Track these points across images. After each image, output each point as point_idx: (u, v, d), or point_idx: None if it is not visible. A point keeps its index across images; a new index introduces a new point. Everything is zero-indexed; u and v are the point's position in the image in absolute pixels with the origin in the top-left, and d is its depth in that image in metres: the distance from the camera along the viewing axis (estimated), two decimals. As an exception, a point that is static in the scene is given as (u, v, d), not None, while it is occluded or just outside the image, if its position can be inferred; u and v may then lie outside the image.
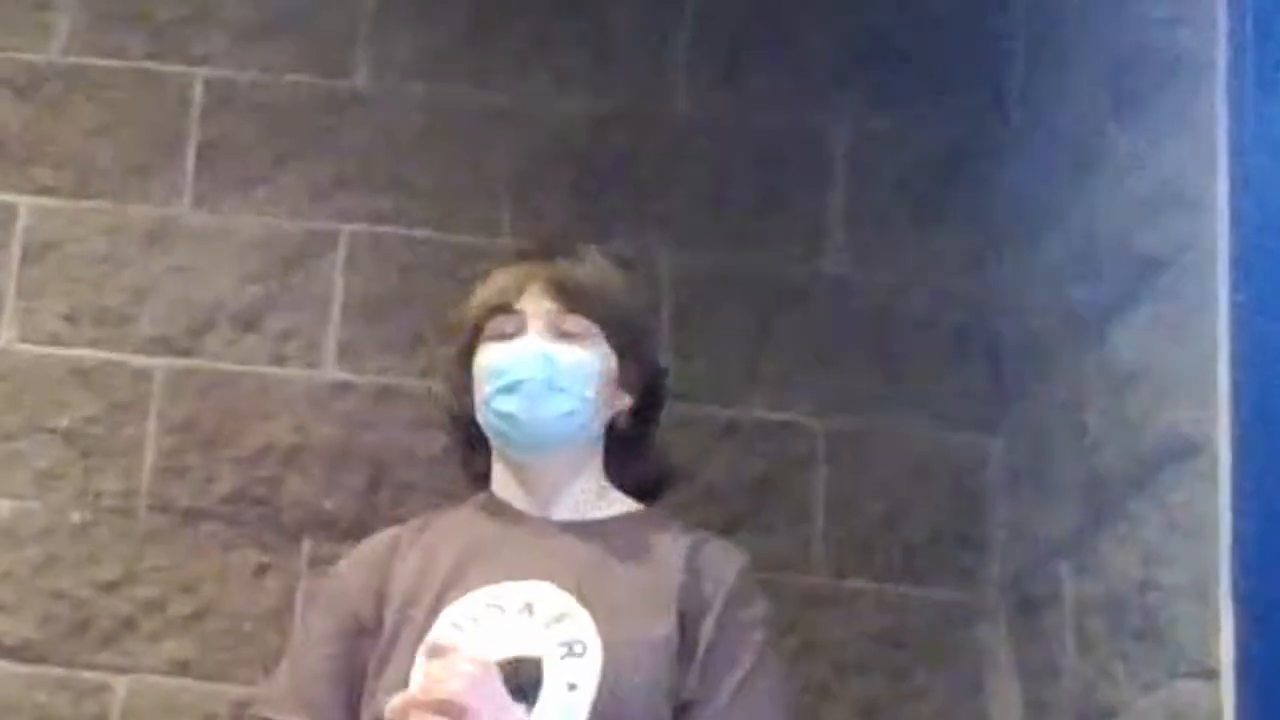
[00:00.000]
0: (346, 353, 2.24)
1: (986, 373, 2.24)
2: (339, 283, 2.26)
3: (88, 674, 2.13)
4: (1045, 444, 2.03)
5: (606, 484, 1.73)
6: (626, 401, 1.72)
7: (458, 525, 1.69)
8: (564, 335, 1.67)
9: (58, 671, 2.13)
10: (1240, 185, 1.53)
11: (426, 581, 1.61)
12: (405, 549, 1.68)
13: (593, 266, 1.71)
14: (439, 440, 2.19)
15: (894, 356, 2.25)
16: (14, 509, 2.18)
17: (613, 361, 1.69)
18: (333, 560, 2.15)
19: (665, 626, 1.56)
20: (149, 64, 2.31)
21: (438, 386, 1.91)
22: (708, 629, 1.57)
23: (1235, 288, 1.52)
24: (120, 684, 2.13)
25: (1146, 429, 1.69)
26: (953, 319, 2.26)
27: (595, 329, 1.68)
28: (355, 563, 1.71)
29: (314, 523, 2.18)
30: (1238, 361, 1.51)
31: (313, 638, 1.67)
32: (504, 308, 1.67)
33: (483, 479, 1.76)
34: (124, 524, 2.17)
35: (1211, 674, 1.48)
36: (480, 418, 1.70)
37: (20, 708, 2.12)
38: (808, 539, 2.19)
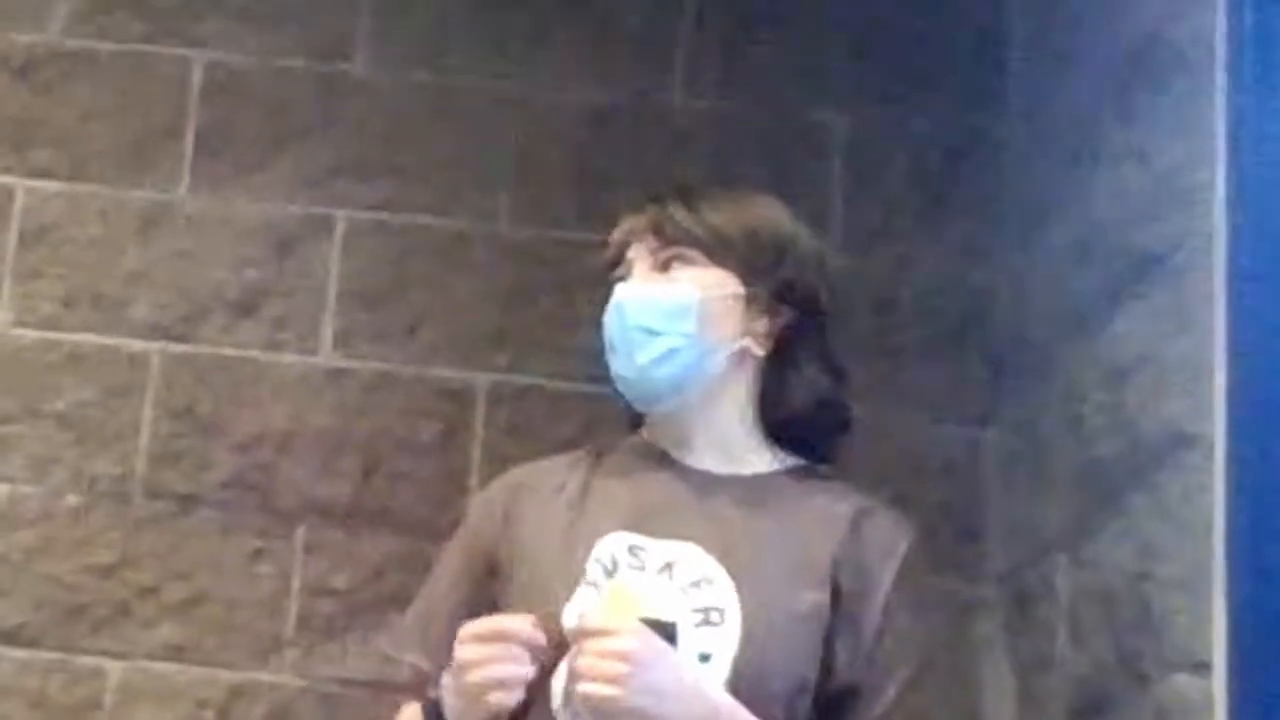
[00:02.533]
0: (342, 339, 2.24)
1: (984, 365, 2.24)
2: (335, 269, 2.26)
3: (82, 658, 2.13)
4: (1042, 437, 2.03)
5: (761, 431, 1.59)
6: (762, 325, 1.57)
7: (615, 471, 1.58)
8: (665, 271, 1.56)
9: (52, 656, 2.13)
10: (1238, 180, 1.53)
11: (580, 525, 1.52)
12: (532, 488, 1.59)
13: (702, 196, 1.59)
14: (433, 426, 2.20)
15: (892, 348, 2.25)
16: (9, 493, 2.18)
17: (733, 285, 1.55)
18: (327, 547, 2.17)
19: (815, 597, 1.46)
20: (147, 47, 2.31)
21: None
22: (874, 609, 1.48)
23: (1232, 282, 1.52)
24: (114, 669, 2.13)
25: (1142, 422, 1.69)
26: (951, 311, 2.26)
27: (701, 256, 1.55)
28: (484, 499, 1.64)
29: (309, 509, 2.18)
30: (1234, 355, 1.51)
31: (446, 573, 1.60)
32: (618, 261, 1.59)
33: (638, 419, 1.64)
34: (119, 509, 2.17)
35: (1204, 667, 1.48)
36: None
37: (14, 692, 2.12)
38: (803, 530, 2.18)
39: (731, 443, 1.58)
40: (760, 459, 1.59)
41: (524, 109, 2.30)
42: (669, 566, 1.47)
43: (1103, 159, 1.89)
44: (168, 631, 2.14)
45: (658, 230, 1.57)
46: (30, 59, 2.30)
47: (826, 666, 1.47)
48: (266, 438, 2.20)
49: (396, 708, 1.59)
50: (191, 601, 2.15)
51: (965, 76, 2.31)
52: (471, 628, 1.43)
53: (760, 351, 1.58)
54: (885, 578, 1.50)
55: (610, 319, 1.56)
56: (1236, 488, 1.48)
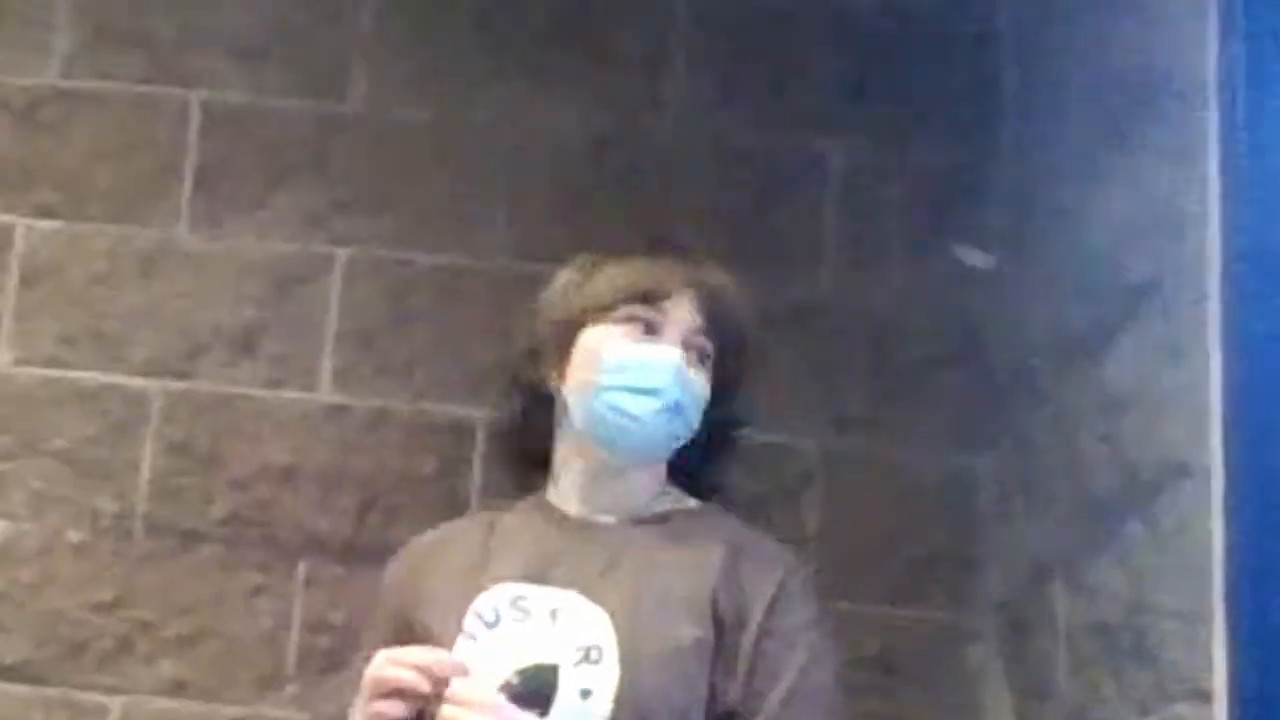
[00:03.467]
0: (341, 376, 2.25)
1: (980, 394, 2.24)
2: (334, 306, 2.27)
3: (84, 695, 2.13)
4: (1038, 465, 2.03)
5: (667, 485, 1.67)
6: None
7: (510, 529, 1.64)
8: (694, 353, 1.61)
9: (54, 692, 2.13)
10: (1232, 207, 1.54)
11: (470, 583, 1.58)
12: (441, 546, 1.66)
13: (729, 286, 1.65)
14: (432, 462, 2.21)
15: (888, 378, 2.26)
16: (10, 530, 2.18)
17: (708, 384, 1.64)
18: (327, 582, 2.17)
19: (696, 632, 1.51)
20: (145, 87, 2.32)
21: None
22: (749, 637, 1.52)
23: (1227, 310, 1.53)
24: (116, 704, 2.13)
25: (1139, 451, 1.70)
26: (946, 341, 2.27)
27: (714, 354, 1.63)
28: (396, 559, 1.70)
29: (309, 544, 2.19)
30: (1230, 384, 1.51)
31: (370, 644, 1.62)
32: (648, 298, 1.60)
33: (538, 462, 1.69)
34: (120, 545, 2.18)
35: (1205, 696, 1.48)
36: (580, 403, 1.60)
37: (16, 729, 2.12)
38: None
39: (642, 495, 1.63)
40: (656, 503, 1.65)
41: (519, 143, 2.32)
42: (554, 613, 1.51)
43: (1096, 188, 1.90)
44: (169, 667, 2.14)
45: (705, 307, 1.62)
46: (30, 99, 2.31)
47: (714, 696, 1.51)
48: (266, 474, 2.20)
49: None
50: (193, 637, 2.16)
51: (960, 107, 2.33)
52: (386, 651, 1.49)
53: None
54: (758, 609, 1.54)
55: (671, 377, 1.58)
56: (1234, 516, 1.48)
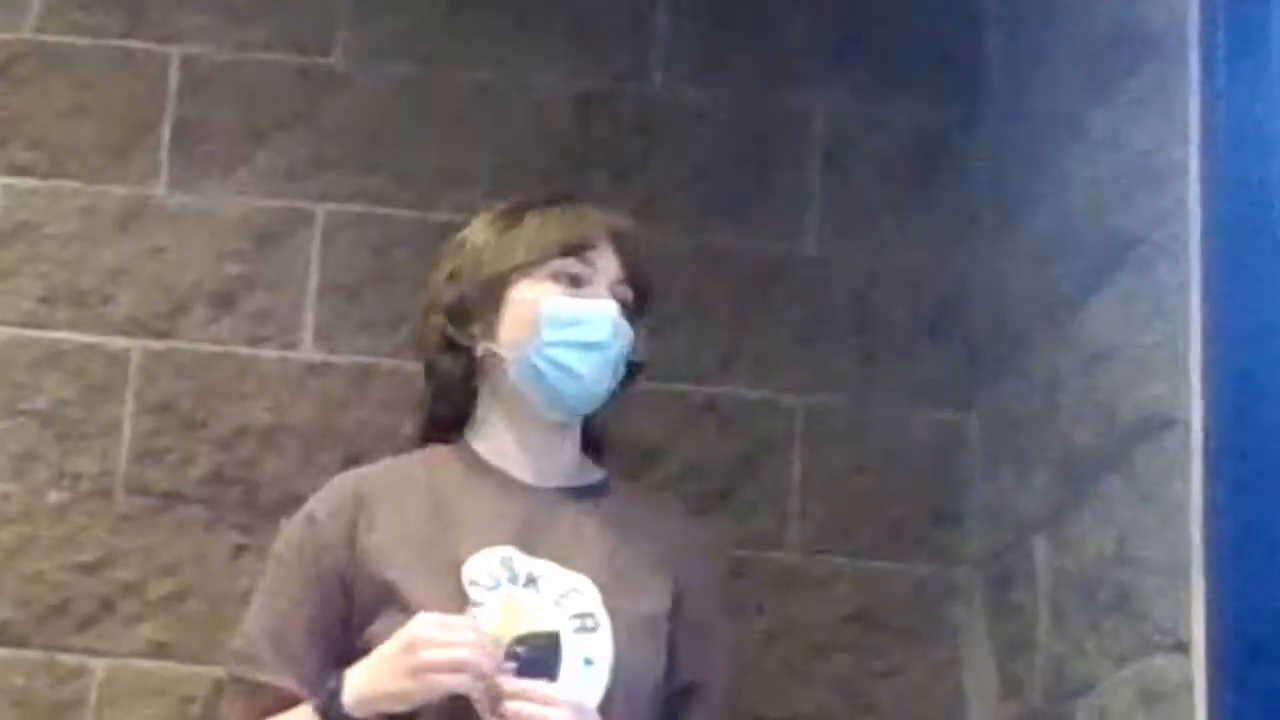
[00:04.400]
0: (323, 333, 2.24)
1: (962, 351, 2.25)
2: (316, 263, 2.26)
3: (66, 656, 2.13)
4: (1020, 421, 2.04)
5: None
6: None
7: (462, 487, 1.60)
8: (618, 304, 1.60)
9: (36, 654, 2.12)
10: (1212, 161, 1.54)
11: (426, 536, 1.55)
12: (378, 499, 1.60)
13: (639, 232, 1.66)
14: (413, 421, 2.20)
15: (871, 336, 2.26)
16: (-10, 491, 2.18)
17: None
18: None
19: (663, 600, 1.54)
20: (124, 42, 2.30)
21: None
22: (703, 610, 1.56)
23: (1207, 264, 1.53)
24: (99, 666, 2.12)
25: (1119, 406, 1.70)
26: (929, 298, 2.27)
27: (631, 302, 1.64)
28: (329, 513, 1.61)
29: (292, 504, 2.15)
30: (1210, 338, 1.52)
31: (286, 589, 1.58)
32: (575, 251, 1.59)
33: (448, 425, 1.67)
34: (101, 506, 2.17)
35: (1183, 648, 1.49)
36: (518, 360, 1.59)
37: (-2, 690, 2.12)
38: (784, 517, 2.19)
39: (570, 463, 1.64)
40: (585, 473, 1.66)
41: (503, 100, 2.30)
42: (534, 580, 1.51)
43: (1078, 145, 1.90)
44: (151, 628, 2.14)
45: (628, 255, 1.62)
46: (6, 55, 2.28)
47: (667, 668, 1.53)
48: (248, 433, 2.20)
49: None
50: (175, 598, 2.15)
51: (942, 66, 2.32)
52: (433, 615, 1.45)
53: None
54: (703, 580, 1.58)
55: (611, 330, 1.58)
56: (1213, 470, 1.49)
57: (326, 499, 1.64)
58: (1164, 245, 1.61)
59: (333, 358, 2.23)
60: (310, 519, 1.62)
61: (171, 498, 2.18)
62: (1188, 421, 1.52)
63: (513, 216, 1.66)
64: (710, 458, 2.21)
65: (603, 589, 1.51)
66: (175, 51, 2.30)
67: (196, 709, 2.12)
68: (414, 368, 2.20)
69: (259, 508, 2.18)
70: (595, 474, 1.67)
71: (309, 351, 2.23)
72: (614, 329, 1.58)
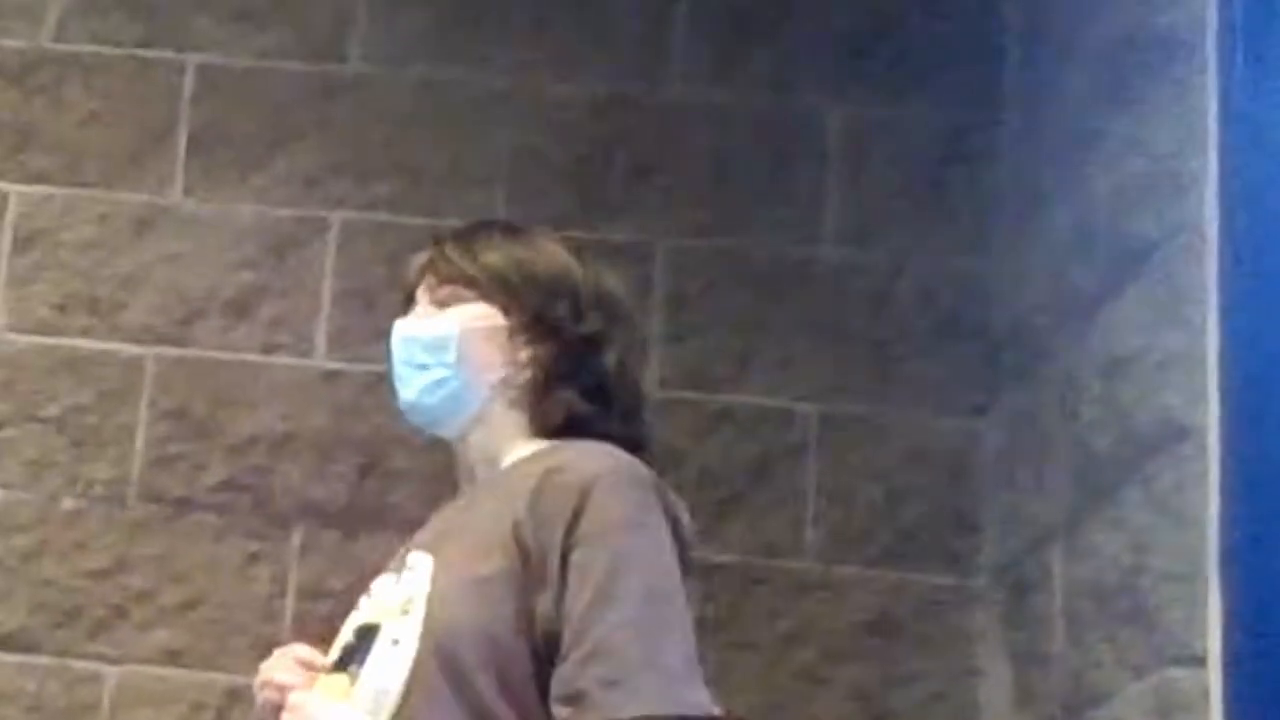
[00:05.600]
0: (337, 341, 2.23)
1: (980, 358, 2.23)
2: (330, 270, 2.25)
3: (79, 663, 2.13)
4: (1038, 429, 2.02)
5: (529, 437, 1.64)
6: (525, 354, 1.63)
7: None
8: (442, 309, 1.64)
9: (49, 660, 2.13)
10: (1230, 166, 1.52)
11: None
12: None
13: (479, 237, 1.67)
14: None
15: (888, 341, 2.24)
16: (5, 498, 2.18)
17: (495, 318, 1.63)
18: (323, 548, 2.17)
19: (496, 563, 1.50)
20: (140, 51, 2.31)
21: None
22: (555, 556, 1.49)
23: (1225, 270, 1.51)
24: (111, 673, 2.13)
25: (1137, 414, 1.68)
26: (947, 304, 2.25)
27: (468, 292, 1.64)
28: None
29: (304, 510, 2.18)
30: (1227, 346, 1.50)
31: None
32: (408, 300, 1.67)
33: None
34: (115, 513, 2.17)
35: (1199, 660, 1.47)
36: None
37: (12, 696, 2.12)
38: (800, 524, 2.18)
39: (501, 455, 1.63)
40: (511, 456, 1.64)
41: (519, 105, 2.30)
42: (400, 570, 1.56)
43: (1098, 150, 1.88)
44: (164, 635, 2.14)
45: (435, 270, 1.65)
46: (24, 63, 2.29)
47: (530, 623, 1.49)
48: (262, 440, 2.19)
49: None
50: (188, 605, 2.15)
51: (962, 69, 2.30)
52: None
53: (521, 379, 1.63)
54: (560, 527, 1.51)
55: (394, 352, 1.63)
56: (1230, 479, 1.47)
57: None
58: (1182, 250, 1.60)
59: (346, 365, 2.23)
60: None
61: (185, 504, 2.18)
62: (1205, 430, 1.51)
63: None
64: (725, 465, 2.20)
65: (436, 570, 1.53)
66: (191, 60, 2.30)
67: (209, 715, 2.12)
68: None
69: (272, 514, 2.17)
70: (520, 452, 1.64)
71: (322, 359, 2.23)
72: (400, 343, 1.63)
